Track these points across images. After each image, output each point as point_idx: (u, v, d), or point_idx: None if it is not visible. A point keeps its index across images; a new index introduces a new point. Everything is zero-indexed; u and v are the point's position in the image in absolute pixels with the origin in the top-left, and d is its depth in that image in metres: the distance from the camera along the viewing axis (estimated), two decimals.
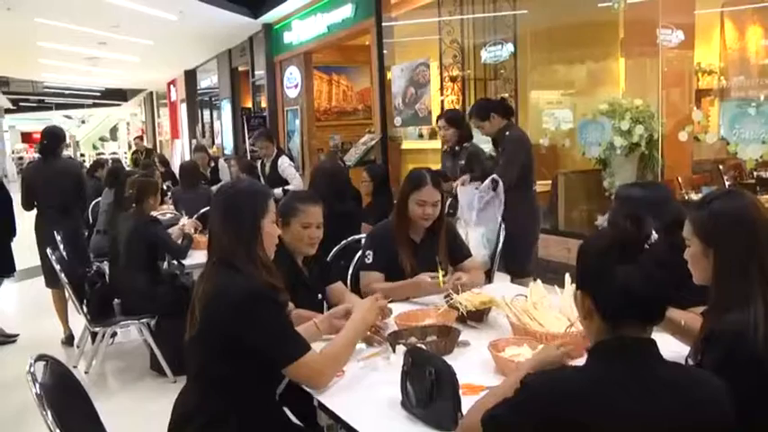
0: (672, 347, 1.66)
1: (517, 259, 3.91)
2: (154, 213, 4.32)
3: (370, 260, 2.62)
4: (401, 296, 2.50)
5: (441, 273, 2.46)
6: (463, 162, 4.29)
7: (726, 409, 1.18)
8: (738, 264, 1.41)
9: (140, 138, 15.74)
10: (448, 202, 3.90)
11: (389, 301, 2.19)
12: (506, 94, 6.41)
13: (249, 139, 10.18)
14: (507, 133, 4.01)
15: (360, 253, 2.83)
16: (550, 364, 1.50)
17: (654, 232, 1.18)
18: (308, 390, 1.73)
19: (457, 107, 6.78)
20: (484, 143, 4.71)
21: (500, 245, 3.64)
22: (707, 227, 1.47)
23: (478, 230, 3.74)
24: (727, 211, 1.46)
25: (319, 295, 2.47)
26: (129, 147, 27.78)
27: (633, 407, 1.11)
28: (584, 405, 1.11)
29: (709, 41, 5.71)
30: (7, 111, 24.06)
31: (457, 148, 4.42)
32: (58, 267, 3.70)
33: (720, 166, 5.17)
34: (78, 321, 4.21)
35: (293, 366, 1.67)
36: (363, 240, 2.86)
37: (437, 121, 4.94)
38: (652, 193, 2.09)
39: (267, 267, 1.77)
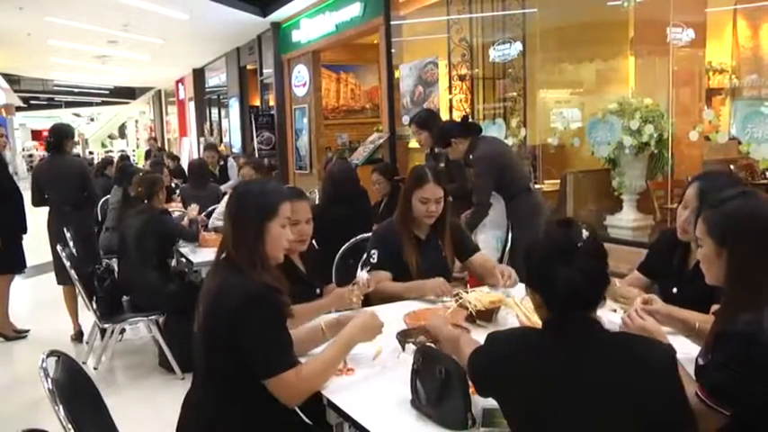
0: (684, 349, 1.65)
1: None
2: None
3: (376, 259, 2.62)
4: (409, 296, 2.50)
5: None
6: (443, 164, 4.19)
7: (667, 374, 1.26)
8: (751, 265, 1.40)
9: (154, 139, 15.81)
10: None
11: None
12: (514, 93, 6.38)
13: (257, 137, 10.21)
14: (471, 156, 3.85)
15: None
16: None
17: (585, 231, 1.32)
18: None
19: (465, 106, 6.77)
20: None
21: (509, 244, 3.63)
22: (720, 227, 1.45)
23: (493, 233, 3.71)
24: (741, 211, 1.45)
25: (317, 290, 2.48)
26: (138, 145, 27.95)
27: (564, 367, 1.26)
28: (513, 361, 1.32)
29: (721, 40, 5.66)
30: (18, 108, 24.20)
31: (436, 150, 4.30)
32: (68, 264, 3.73)
33: (732, 166, 5.12)
34: (88, 318, 4.24)
35: (270, 380, 1.66)
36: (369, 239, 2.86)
37: (409, 125, 4.89)
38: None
39: (269, 270, 1.76)
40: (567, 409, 1.24)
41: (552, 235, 1.34)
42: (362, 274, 2.42)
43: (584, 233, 1.32)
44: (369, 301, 2.62)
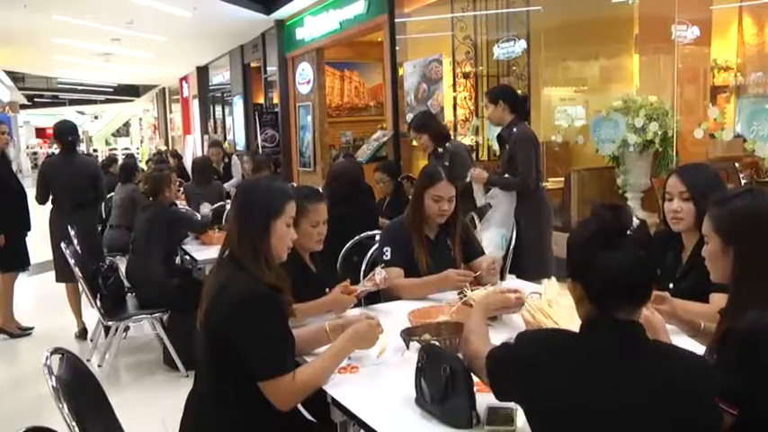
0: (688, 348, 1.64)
1: (532, 264, 3.76)
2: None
3: (389, 256, 2.60)
4: (426, 293, 2.50)
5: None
6: (448, 163, 4.16)
7: (701, 390, 1.19)
8: (759, 263, 1.39)
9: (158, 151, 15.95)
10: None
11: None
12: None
13: (261, 135, 10.22)
14: (514, 130, 3.87)
15: (375, 250, 2.82)
16: (492, 306, 1.96)
17: (635, 218, 1.24)
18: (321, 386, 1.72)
19: (469, 103, 6.76)
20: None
21: (513, 242, 3.62)
22: (728, 225, 1.44)
23: (498, 231, 3.71)
24: (750, 209, 1.43)
25: (327, 289, 2.47)
26: (142, 142, 28.02)
27: (599, 372, 1.18)
28: (542, 366, 1.24)
29: (726, 37, 5.64)
30: (22, 106, 24.28)
31: (440, 150, 4.29)
32: (72, 262, 3.73)
33: (736, 164, 5.10)
34: (92, 315, 4.25)
35: (264, 383, 1.65)
36: (379, 237, 2.86)
37: (408, 130, 4.94)
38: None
39: (272, 268, 1.75)
40: (598, 420, 1.18)
41: (600, 217, 1.24)
42: (379, 271, 2.41)
43: (636, 221, 1.23)
44: (379, 298, 2.62)
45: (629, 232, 1.21)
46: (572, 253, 1.27)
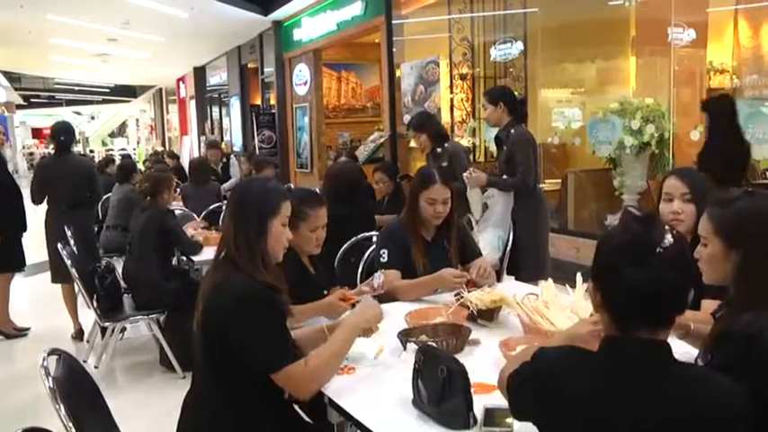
0: (683, 349, 1.65)
1: (529, 264, 3.76)
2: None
3: (386, 258, 2.60)
4: (423, 294, 2.51)
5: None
6: (446, 164, 4.15)
7: (731, 414, 1.13)
8: (762, 266, 1.38)
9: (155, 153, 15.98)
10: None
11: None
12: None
13: (258, 136, 10.22)
14: (512, 131, 3.85)
15: (372, 251, 2.83)
16: (579, 340, 1.48)
17: (669, 236, 1.15)
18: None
19: (466, 105, 6.78)
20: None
21: (510, 243, 3.63)
22: (732, 227, 1.42)
23: (495, 232, 3.71)
24: (755, 211, 1.42)
25: (324, 291, 2.48)
26: (138, 143, 27.98)
27: (618, 397, 1.12)
28: (560, 383, 1.17)
29: (722, 40, 5.67)
30: (18, 107, 24.23)
31: (438, 149, 4.30)
32: (68, 262, 3.72)
33: None
34: (88, 316, 4.24)
35: (277, 375, 1.64)
36: (376, 239, 2.86)
37: (407, 130, 4.95)
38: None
39: (268, 267, 1.75)
40: None
41: (629, 229, 1.17)
42: (377, 276, 2.40)
43: (669, 238, 1.14)
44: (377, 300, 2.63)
45: (658, 250, 1.12)
46: (598, 259, 1.21)
